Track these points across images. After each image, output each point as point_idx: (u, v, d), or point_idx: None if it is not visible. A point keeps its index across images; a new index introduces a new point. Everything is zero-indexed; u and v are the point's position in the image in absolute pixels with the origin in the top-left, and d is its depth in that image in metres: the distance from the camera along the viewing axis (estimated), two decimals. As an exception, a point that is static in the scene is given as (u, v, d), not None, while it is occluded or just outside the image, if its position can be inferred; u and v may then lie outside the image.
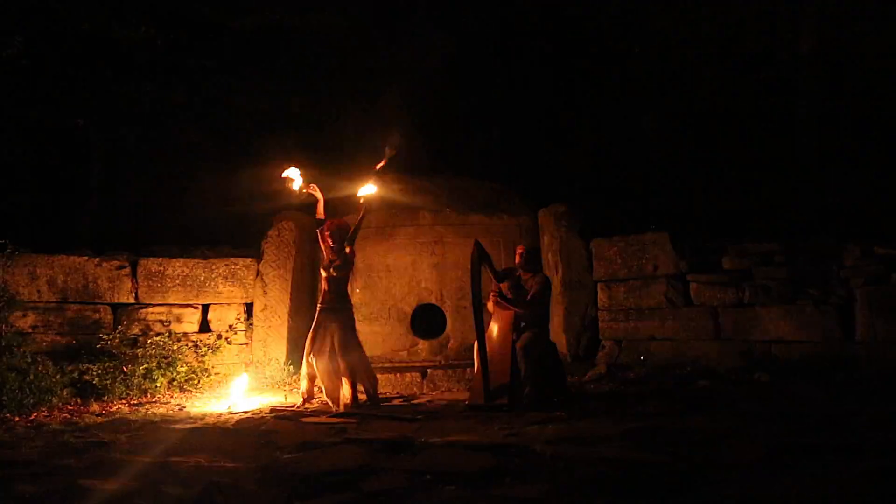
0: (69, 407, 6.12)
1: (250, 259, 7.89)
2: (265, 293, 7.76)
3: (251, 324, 7.78)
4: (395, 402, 6.35)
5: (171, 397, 6.75)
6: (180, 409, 6.14)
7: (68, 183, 9.27)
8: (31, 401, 5.89)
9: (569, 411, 5.25)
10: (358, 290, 8.14)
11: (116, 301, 7.54)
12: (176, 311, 7.69)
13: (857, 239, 6.47)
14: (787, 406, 5.16)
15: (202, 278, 7.76)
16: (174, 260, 7.74)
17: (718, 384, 6.12)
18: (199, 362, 7.31)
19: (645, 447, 4.12)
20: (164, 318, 7.62)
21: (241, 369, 7.40)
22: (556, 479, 3.55)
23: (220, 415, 5.78)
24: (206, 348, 7.42)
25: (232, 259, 7.87)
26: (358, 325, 7.91)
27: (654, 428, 4.58)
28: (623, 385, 6.52)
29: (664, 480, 3.51)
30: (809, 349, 6.52)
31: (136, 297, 7.61)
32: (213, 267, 7.80)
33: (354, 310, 7.83)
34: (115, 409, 6.13)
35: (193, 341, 7.49)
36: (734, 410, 5.12)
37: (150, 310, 7.63)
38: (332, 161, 7.67)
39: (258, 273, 7.81)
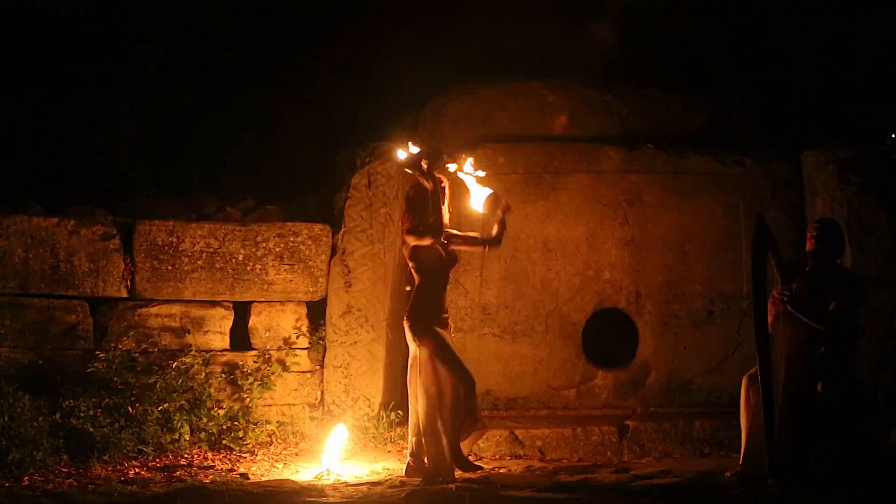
0: (61, 468, 4.36)
1: (321, 226, 5.26)
2: (348, 285, 5.24)
3: (322, 337, 5.26)
4: (601, 476, 4.38)
5: (205, 458, 4.76)
6: (241, 476, 4.30)
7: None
8: (17, 456, 4.25)
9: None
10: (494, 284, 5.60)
11: (100, 293, 4.94)
12: (195, 311, 5.06)
13: None
14: None
15: (240, 257, 5.09)
16: (193, 225, 5.05)
17: None
18: (239, 402, 5.03)
19: None
20: (176, 323, 5.03)
21: (302, 413, 5.19)
22: None
23: (311, 486, 4.10)
24: (251, 378, 5.05)
25: (291, 226, 5.19)
26: (495, 343, 5.52)
27: None
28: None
29: None
30: None
31: (132, 287, 4.98)
32: (259, 238, 5.10)
33: (491, 317, 5.50)
34: (131, 473, 4.40)
35: (225, 364, 5.08)
36: None
37: (155, 309, 5.02)
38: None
39: (335, 249, 5.21)
